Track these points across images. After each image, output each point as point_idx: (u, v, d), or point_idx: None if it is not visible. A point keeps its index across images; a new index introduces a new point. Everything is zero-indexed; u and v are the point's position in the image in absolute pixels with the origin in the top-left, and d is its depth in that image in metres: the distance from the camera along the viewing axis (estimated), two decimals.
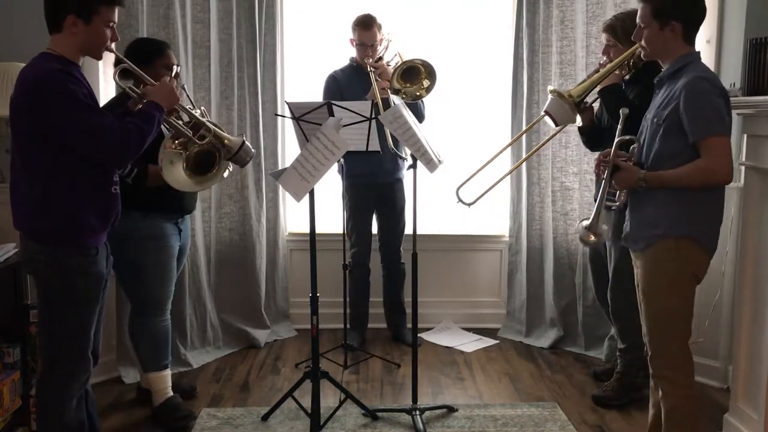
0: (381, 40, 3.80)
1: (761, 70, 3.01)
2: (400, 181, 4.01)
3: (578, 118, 2.99)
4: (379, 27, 3.79)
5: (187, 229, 3.24)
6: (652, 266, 2.41)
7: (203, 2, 3.89)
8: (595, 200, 2.66)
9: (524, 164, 4.11)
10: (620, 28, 3.00)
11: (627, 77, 3.08)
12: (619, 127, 2.56)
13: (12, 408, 2.84)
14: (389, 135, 3.55)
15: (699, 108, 2.27)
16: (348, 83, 3.85)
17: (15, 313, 2.94)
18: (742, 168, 2.99)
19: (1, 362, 2.85)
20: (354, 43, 3.83)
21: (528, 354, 4.04)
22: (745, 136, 2.86)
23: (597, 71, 3.00)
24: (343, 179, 3.92)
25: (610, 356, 3.75)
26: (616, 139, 2.53)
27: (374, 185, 3.95)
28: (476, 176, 3.37)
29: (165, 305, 3.11)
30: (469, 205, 3.33)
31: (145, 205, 2.93)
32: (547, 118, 2.98)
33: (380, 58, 3.80)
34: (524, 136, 4.11)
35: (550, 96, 2.94)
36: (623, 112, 2.57)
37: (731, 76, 3.43)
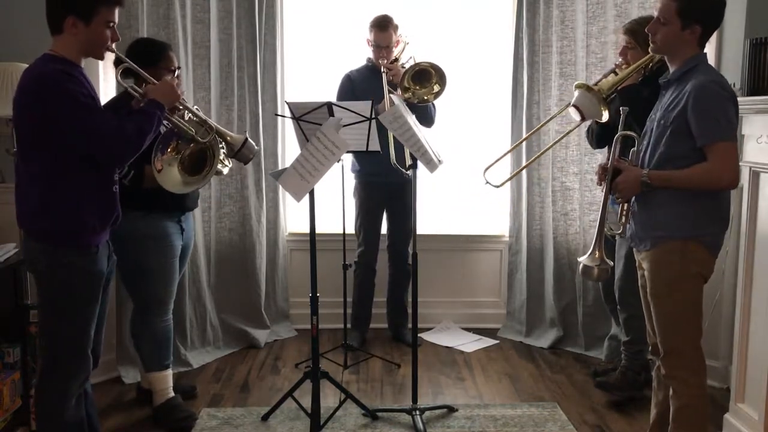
0: (397, 42, 3.78)
1: (761, 70, 3.01)
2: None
3: (605, 114, 2.89)
4: (396, 29, 3.77)
5: (190, 228, 3.23)
6: (658, 267, 2.40)
7: (203, 2, 3.89)
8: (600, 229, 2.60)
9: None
10: (641, 34, 3.01)
11: (640, 79, 3.09)
12: (620, 126, 2.56)
13: (12, 408, 2.85)
14: (392, 147, 3.54)
15: (708, 112, 2.25)
16: (363, 83, 3.85)
17: (15, 313, 2.94)
18: (742, 168, 2.99)
19: (1, 362, 2.85)
20: (370, 44, 3.82)
21: (528, 354, 4.04)
22: (745, 135, 2.86)
23: (614, 72, 3.01)
24: (354, 177, 3.94)
25: (610, 356, 3.76)
26: (617, 135, 2.53)
27: (386, 184, 3.94)
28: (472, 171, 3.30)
29: (167, 305, 3.10)
30: (498, 186, 3.25)
31: (146, 204, 2.93)
32: (573, 112, 2.91)
33: (395, 60, 3.76)
34: (525, 136, 4.12)
35: (577, 91, 2.89)
36: (623, 110, 2.58)
37: (731, 76, 3.41)
